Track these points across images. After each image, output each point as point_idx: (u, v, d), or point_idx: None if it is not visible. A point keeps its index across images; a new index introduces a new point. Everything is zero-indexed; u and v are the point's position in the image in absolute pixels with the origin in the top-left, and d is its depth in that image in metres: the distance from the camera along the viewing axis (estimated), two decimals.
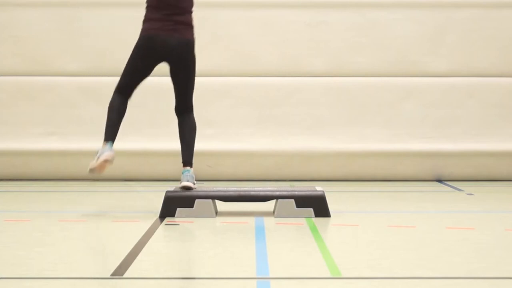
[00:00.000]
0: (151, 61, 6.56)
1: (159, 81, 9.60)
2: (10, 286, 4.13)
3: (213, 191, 6.51)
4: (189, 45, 6.51)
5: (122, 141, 9.53)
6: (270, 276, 4.35)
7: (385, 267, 4.61)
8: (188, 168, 6.52)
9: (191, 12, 6.57)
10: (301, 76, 9.63)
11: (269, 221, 6.22)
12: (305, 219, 6.29)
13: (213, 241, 5.54)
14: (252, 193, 6.50)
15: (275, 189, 6.56)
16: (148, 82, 9.59)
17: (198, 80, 9.63)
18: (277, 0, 9.68)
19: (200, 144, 9.48)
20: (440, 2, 9.64)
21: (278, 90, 9.63)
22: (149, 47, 6.51)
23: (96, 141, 9.49)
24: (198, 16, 9.64)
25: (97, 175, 6.60)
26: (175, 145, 9.50)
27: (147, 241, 5.36)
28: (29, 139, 9.48)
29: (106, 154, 6.39)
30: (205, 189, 6.58)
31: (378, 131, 9.59)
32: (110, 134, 6.51)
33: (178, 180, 9.39)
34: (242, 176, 9.50)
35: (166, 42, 6.46)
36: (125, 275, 4.35)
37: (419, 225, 6.13)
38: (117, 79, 9.55)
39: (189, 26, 6.54)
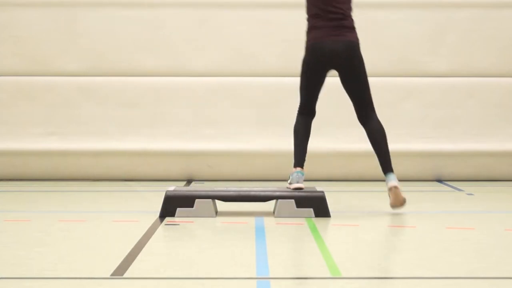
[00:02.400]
0: (322, 70, 6.60)
1: (159, 81, 9.63)
2: (10, 286, 4.13)
3: (213, 191, 6.51)
4: (355, 47, 6.53)
5: (122, 141, 9.58)
6: (270, 276, 4.35)
7: (385, 267, 4.61)
8: (391, 173, 6.59)
9: (351, 15, 6.59)
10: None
11: (269, 221, 6.22)
12: (305, 219, 6.29)
13: (213, 241, 5.54)
14: (252, 193, 6.50)
15: (275, 189, 6.56)
16: (148, 82, 9.62)
17: (198, 80, 9.71)
18: (277, 0, 9.68)
19: (200, 144, 9.53)
20: (440, 2, 9.64)
21: (278, 90, 9.62)
22: (316, 56, 6.53)
23: (96, 141, 9.54)
24: (198, 16, 9.69)
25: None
26: (175, 145, 9.55)
27: (147, 241, 5.36)
28: (29, 139, 9.48)
29: (294, 186, 6.49)
30: (205, 189, 6.58)
31: None
32: (298, 159, 6.58)
33: (178, 180, 9.44)
34: (242, 176, 9.50)
35: (333, 48, 6.47)
36: (125, 275, 4.35)
37: (419, 225, 6.13)
38: (117, 79, 9.66)
39: (351, 29, 6.55)
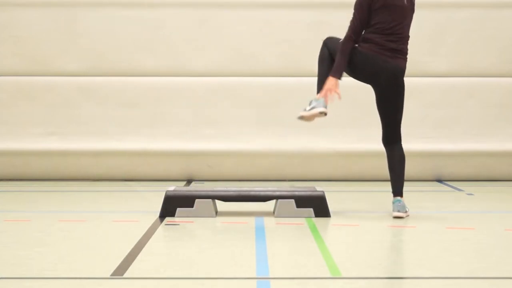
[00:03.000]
0: (366, 78, 6.62)
1: (159, 81, 9.63)
2: (10, 286, 4.13)
3: (213, 191, 6.51)
4: (403, 73, 6.48)
5: (122, 141, 9.58)
6: (270, 276, 4.35)
7: (385, 267, 4.61)
8: (398, 198, 6.44)
9: (408, 42, 6.52)
10: (301, 76, 9.62)
11: (269, 221, 6.22)
12: (305, 219, 6.29)
13: (213, 241, 5.54)
14: (252, 193, 6.50)
15: (275, 189, 6.56)
16: (148, 82, 9.62)
17: (198, 80, 9.70)
18: (277, 0, 9.68)
19: (200, 144, 9.53)
20: (440, 2, 9.64)
21: (278, 90, 9.62)
22: (363, 63, 6.49)
23: (96, 141, 9.54)
24: (198, 16, 9.69)
25: (306, 120, 6.56)
26: (175, 145, 9.55)
27: (147, 241, 5.36)
28: (29, 139, 9.48)
29: (321, 109, 6.49)
30: (205, 189, 6.58)
31: (378, 131, 9.51)
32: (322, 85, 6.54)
33: (178, 180, 9.44)
34: (242, 176, 9.50)
35: (381, 66, 6.41)
36: (125, 275, 4.35)
37: (419, 225, 6.13)
38: (117, 79, 9.65)
39: (406, 55, 6.50)
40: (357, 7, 6.46)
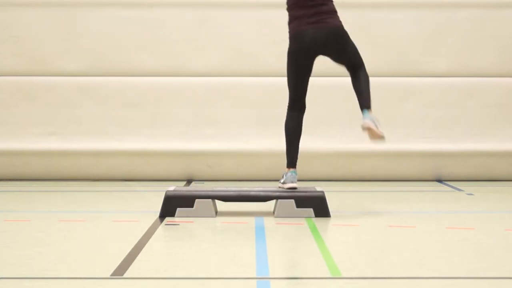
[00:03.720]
0: (307, 59, 6.53)
1: (159, 81, 9.63)
2: (10, 286, 4.13)
3: (213, 191, 6.51)
4: (338, 31, 6.50)
5: (122, 141, 9.58)
6: (270, 276, 4.35)
7: (385, 267, 4.61)
8: (366, 110, 6.49)
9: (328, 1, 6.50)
10: None
11: (269, 221, 6.22)
12: (305, 219, 6.29)
13: (213, 241, 5.54)
14: (252, 193, 6.50)
15: (275, 189, 6.56)
16: (148, 82, 9.62)
17: (198, 80, 9.70)
18: (277, 0, 9.67)
19: (200, 144, 9.52)
20: (440, 2, 9.64)
21: (278, 90, 9.62)
22: (300, 45, 6.45)
23: (96, 141, 9.54)
24: (198, 16, 9.68)
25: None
26: (175, 145, 9.55)
27: (147, 241, 5.36)
28: (29, 139, 9.48)
29: (289, 185, 6.41)
30: (205, 189, 6.57)
31: None
32: (292, 159, 6.53)
33: (178, 180, 9.44)
34: (242, 176, 9.50)
35: (314, 36, 6.42)
36: (125, 275, 4.35)
37: (419, 225, 6.13)
38: (117, 79, 9.65)
39: (332, 13, 6.50)
40: None
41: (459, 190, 8.71)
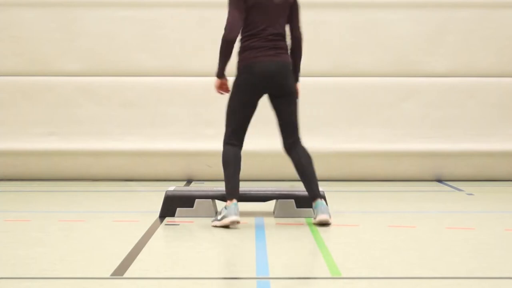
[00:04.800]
0: (257, 92, 6.14)
1: (159, 81, 9.63)
2: (10, 286, 4.13)
3: (213, 191, 6.51)
4: (290, 69, 6.19)
5: (122, 141, 9.58)
6: (270, 276, 4.35)
7: (385, 267, 4.61)
8: (319, 200, 6.06)
9: (285, 37, 6.21)
10: (301, 76, 9.61)
11: (269, 221, 6.22)
12: (305, 219, 6.29)
13: (213, 241, 5.54)
14: (252, 193, 6.50)
15: (275, 189, 6.56)
16: (148, 82, 9.62)
17: (197, 80, 9.69)
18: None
19: (200, 144, 9.53)
20: (440, 2, 9.64)
21: None
22: (252, 77, 6.09)
23: (96, 141, 9.54)
24: (198, 16, 9.68)
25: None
26: (175, 145, 9.55)
27: (147, 241, 5.37)
28: (29, 139, 9.48)
29: (232, 218, 5.87)
30: (205, 189, 6.58)
31: (378, 131, 9.60)
32: (233, 191, 6.01)
33: (178, 180, 9.44)
34: (242, 176, 9.44)
35: (270, 69, 6.06)
36: (125, 275, 4.35)
37: (419, 225, 6.13)
38: (117, 79, 9.65)
39: (287, 50, 6.20)
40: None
41: (459, 190, 8.71)
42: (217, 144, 9.57)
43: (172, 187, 6.62)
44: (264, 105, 9.63)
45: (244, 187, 6.70)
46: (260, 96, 6.18)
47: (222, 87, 6.30)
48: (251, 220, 6.24)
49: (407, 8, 9.62)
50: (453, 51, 9.61)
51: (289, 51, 6.22)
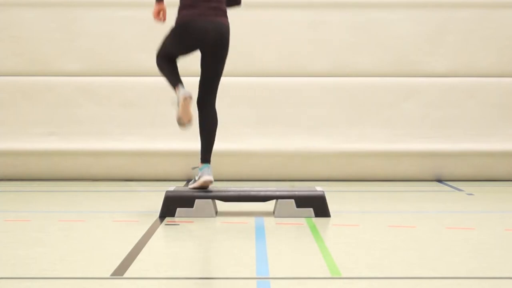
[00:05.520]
0: (190, 47, 6.53)
1: (159, 81, 9.62)
2: (10, 286, 4.12)
3: (213, 191, 6.51)
4: (228, 32, 6.53)
5: (122, 141, 9.58)
6: (270, 276, 4.35)
7: (385, 267, 4.61)
8: (206, 164, 6.49)
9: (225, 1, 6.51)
10: (301, 76, 9.64)
11: (269, 221, 6.22)
12: (305, 219, 6.29)
13: (213, 241, 5.54)
14: (252, 193, 6.50)
15: (275, 189, 6.56)
16: (148, 82, 9.62)
17: (197, 80, 9.65)
18: (277, 0, 9.68)
19: (200, 144, 9.51)
20: (440, 2, 9.64)
21: (278, 90, 9.63)
22: (188, 32, 6.43)
23: (96, 141, 9.54)
24: None
25: (186, 125, 6.52)
26: (175, 145, 9.54)
27: (147, 241, 5.36)
28: (29, 139, 9.48)
29: (183, 92, 6.33)
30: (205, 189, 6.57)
31: (378, 131, 9.60)
32: (176, 79, 6.48)
33: (178, 180, 9.44)
34: (242, 176, 9.50)
35: (207, 27, 6.41)
36: (125, 275, 4.35)
37: (419, 225, 6.13)
38: (117, 79, 9.64)
39: (226, 13, 6.54)
40: None
41: (459, 190, 8.71)
42: (217, 144, 9.58)
43: (172, 187, 6.62)
44: (264, 105, 9.65)
45: (244, 187, 6.70)
46: (193, 50, 6.57)
47: (159, 14, 6.59)
48: (251, 220, 6.24)
49: (407, 8, 9.62)
50: (453, 51, 9.61)
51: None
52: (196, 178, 6.48)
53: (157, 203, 6.71)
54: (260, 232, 5.74)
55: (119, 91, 9.55)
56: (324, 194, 6.44)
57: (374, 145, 9.54)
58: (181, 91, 6.37)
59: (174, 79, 6.49)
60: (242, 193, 6.48)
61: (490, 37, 9.61)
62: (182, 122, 6.44)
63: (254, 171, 9.50)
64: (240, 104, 9.56)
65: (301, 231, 5.85)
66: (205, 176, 6.41)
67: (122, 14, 9.55)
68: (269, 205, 6.67)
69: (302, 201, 6.41)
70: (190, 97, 6.35)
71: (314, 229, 5.87)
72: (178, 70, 6.60)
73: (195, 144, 9.52)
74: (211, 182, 6.43)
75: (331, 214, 6.42)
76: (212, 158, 9.49)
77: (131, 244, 5.22)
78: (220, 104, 9.62)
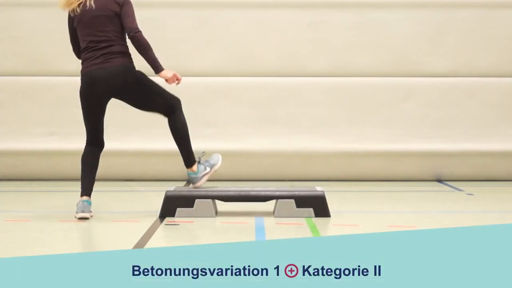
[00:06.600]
0: (97, 100, 6.53)
1: (159, 81, 9.62)
2: None
3: (213, 191, 6.51)
4: (126, 70, 6.49)
5: (122, 141, 9.58)
6: None
7: None
8: (188, 170, 6.56)
9: (121, 40, 6.49)
10: (301, 76, 9.64)
11: (269, 221, 6.22)
12: (305, 219, 6.29)
13: (213, 241, 5.54)
14: (252, 193, 6.50)
15: (275, 189, 6.56)
16: None
17: (197, 80, 9.69)
18: (277, 0, 9.68)
19: (200, 144, 9.50)
20: (440, 2, 9.64)
21: (278, 90, 9.62)
22: (88, 87, 6.43)
23: None
24: (198, 16, 9.68)
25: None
26: (175, 145, 9.53)
27: (147, 241, 5.36)
28: (29, 139, 9.48)
29: (83, 214, 6.29)
30: (205, 189, 6.57)
31: (378, 131, 9.60)
32: (85, 189, 6.40)
33: (178, 180, 9.43)
34: (242, 176, 9.50)
35: (100, 76, 6.39)
36: None
37: (419, 225, 6.13)
38: None
39: (123, 53, 6.50)
40: None
41: (459, 190, 8.71)
42: (217, 144, 9.61)
43: (172, 187, 6.62)
44: (264, 105, 9.65)
45: (244, 187, 6.69)
46: (102, 103, 6.62)
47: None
48: (251, 220, 6.24)
49: (407, 8, 9.62)
50: (453, 51, 9.61)
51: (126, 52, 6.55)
52: (205, 166, 6.54)
53: (157, 203, 6.70)
54: (260, 232, 5.73)
55: None
56: (324, 194, 6.44)
57: (374, 145, 9.55)
58: (79, 207, 6.31)
59: (85, 185, 6.41)
60: (242, 193, 6.48)
61: (490, 37, 9.61)
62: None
63: (254, 171, 9.50)
64: (240, 104, 9.56)
65: (301, 231, 5.85)
66: (219, 161, 6.65)
67: None
68: (269, 205, 6.67)
69: (302, 201, 6.41)
70: (84, 218, 6.28)
71: (314, 229, 5.87)
72: (95, 174, 6.51)
73: (195, 144, 9.53)
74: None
75: (331, 214, 6.42)
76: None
77: (131, 244, 5.21)
78: (220, 104, 9.67)
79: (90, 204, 6.36)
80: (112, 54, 6.43)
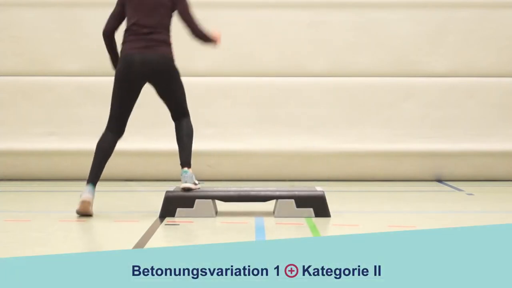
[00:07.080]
0: (134, 83, 6.57)
1: None
2: None
3: (213, 191, 6.51)
4: (167, 61, 6.54)
5: (122, 141, 9.56)
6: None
7: None
8: (186, 169, 6.48)
9: (165, 30, 6.58)
10: (301, 76, 9.64)
11: (269, 221, 6.22)
12: (305, 219, 6.29)
13: (213, 241, 5.54)
14: (252, 193, 6.50)
15: (275, 189, 6.56)
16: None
17: (197, 80, 9.70)
18: (277, 0, 9.68)
19: (200, 144, 9.51)
20: (440, 2, 9.65)
21: (278, 90, 9.63)
22: (128, 68, 6.50)
23: (96, 141, 9.51)
24: (198, 16, 9.67)
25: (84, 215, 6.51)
26: (175, 145, 9.53)
27: (147, 241, 5.36)
28: (29, 139, 9.48)
29: (83, 195, 6.42)
30: (205, 189, 6.58)
31: (378, 131, 9.60)
32: (93, 177, 6.55)
33: (178, 180, 9.42)
34: (242, 176, 9.50)
35: (143, 60, 6.44)
36: None
37: (419, 225, 6.13)
38: None
39: (166, 43, 6.56)
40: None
41: (459, 190, 8.71)
42: (217, 144, 9.62)
43: (172, 187, 6.63)
44: (264, 105, 9.66)
45: (244, 187, 6.70)
46: (138, 87, 6.62)
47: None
48: (251, 220, 6.24)
49: (407, 8, 9.62)
50: (453, 51, 9.61)
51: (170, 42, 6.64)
52: (194, 179, 6.49)
53: (157, 203, 6.71)
54: (260, 232, 5.74)
55: None
56: (324, 194, 6.44)
57: (374, 145, 9.55)
58: (84, 192, 6.45)
59: (94, 172, 6.57)
60: (242, 193, 6.48)
61: (490, 37, 9.62)
62: (79, 214, 6.45)
63: (254, 171, 9.51)
64: (240, 104, 9.57)
65: (301, 231, 5.85)
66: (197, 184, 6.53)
67: None
68: (269, 205, 6.67)
69: (302, 201, 6.41)
70: (88, 202, 6.39)
71: (314, 229, 5.87)
72: (105, 163, 6.64)
73: (195, 145, 9.54)
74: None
75: (331, 214, 6.43)
76: (213, 158, 9.53)
77: (131, 244, 5.21)
78: (220, 104, 9.67)
79: (93, 188, 6.49)
80: (157, 41, 6.49)
